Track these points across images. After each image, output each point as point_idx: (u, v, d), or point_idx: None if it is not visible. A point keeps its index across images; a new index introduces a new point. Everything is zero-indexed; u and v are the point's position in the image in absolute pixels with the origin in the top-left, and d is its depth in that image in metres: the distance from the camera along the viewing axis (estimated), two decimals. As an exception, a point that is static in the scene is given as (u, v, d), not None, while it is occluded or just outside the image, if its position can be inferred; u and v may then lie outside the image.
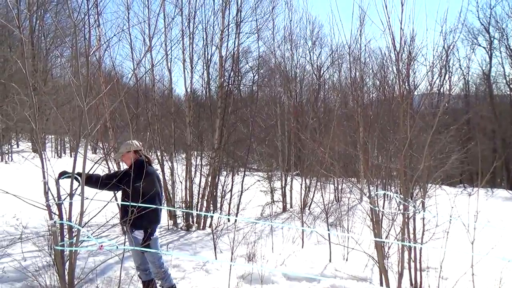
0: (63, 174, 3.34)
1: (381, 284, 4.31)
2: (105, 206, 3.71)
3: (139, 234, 3.83)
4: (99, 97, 4.29)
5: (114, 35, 7.06)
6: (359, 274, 5.37)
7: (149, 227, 3.79)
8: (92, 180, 3.64)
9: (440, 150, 6.03)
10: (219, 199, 8.92)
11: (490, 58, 31.24)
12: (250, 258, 5.71)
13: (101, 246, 2.57)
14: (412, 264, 4.84)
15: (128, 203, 3.54)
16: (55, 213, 3.02)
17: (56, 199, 2.99)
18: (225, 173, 9.23)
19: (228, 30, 8.67)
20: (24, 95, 3.16)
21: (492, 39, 30.96)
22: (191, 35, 8.31)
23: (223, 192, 8.92)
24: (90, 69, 3.50)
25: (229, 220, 8.61)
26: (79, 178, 3.10)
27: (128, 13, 7.67)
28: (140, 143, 4.09)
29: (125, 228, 3.77)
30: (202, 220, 8.26)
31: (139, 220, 3.63)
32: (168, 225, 7.99)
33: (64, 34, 13.88)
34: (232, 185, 9.05)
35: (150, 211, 3.67)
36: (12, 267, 4.55)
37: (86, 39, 3.58)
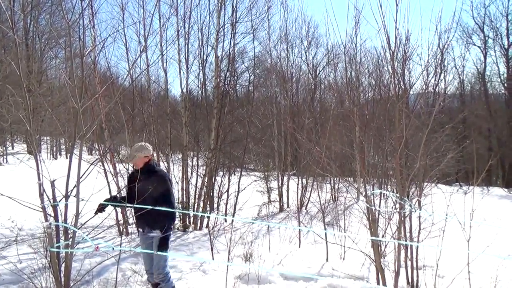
0: (102, 207, 3.84)
1: (378, 283, 4.32)
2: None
3: (157, 234, 3.87)
4: (94, 98, 4.28)
5: (109, 36, 7.03)
6: (356, 273, 5.38)
7: (167, 227, 3.83)
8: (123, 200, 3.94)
9: (435, 149, 6.05)
10: (215, 200, 8.91)
11: (485, 57, 31.45)
12: (247, 258, 5.71)
13: (97, 247, 2.56)
14: (409, 262, 4.85)
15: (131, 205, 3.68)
16: (50, 215, 3.00)
17: (51, 200, 2.98)
18: (221, 173, 9.22)
19: (223, 30, 8.67)
20: (19, 97, 3.15)
21: (486, 38, 31.15)
22: (186, 35, 8.29)
23: (220, 193, 8.91)
24: (85, 70, 3.48)
25: (226, 221, 8.60)
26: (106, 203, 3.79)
27: (123, 14, 7.65)
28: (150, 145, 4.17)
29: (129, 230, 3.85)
30: (199, 221, 8.25)
31: (156, 220, 3.75)
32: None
33: (59, 35, 13.84)
34: (228, 185, 9.04)
35: (163, 212, 3.75)
36: (8, 270, 4.53)
37: (80, 40, 3.57)
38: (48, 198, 2.99)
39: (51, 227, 2.87)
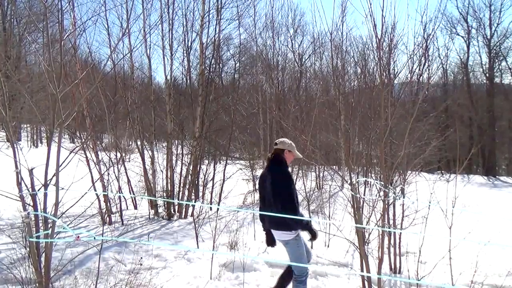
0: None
1: (362, 270, 4.37)
2: (82, 196, 3.63)
3: None
4: (73, 84, 4.14)
5: (89, 19, 6.80)
6: (340, 260, 5.44)
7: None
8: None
9: (419, 137, 6.11)
10: (200, 188, 8.86)
11: (468, 47, 31.93)
12: (232, 246, 5.70)
13: (78, 237, 2.49)
14: (392, 249, 4.93)
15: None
16: (29, 204, 2.92)
17: (30, 189, 2.89)
18: (206, 161, 9.15)
19: (208, 16, 8.52)
20: (-5, 83, 3.01)
21: (470, 28, 31.58)
22: (170, 21, 8.12)
23: (205, 181, 8.86)
24: (64, 55, 3.36)
25: (211, 209, 8.58)
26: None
27: (104, -4, 7.41)
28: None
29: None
30: (184, 209, 8.20)
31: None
32: (149, 215, 7.90)
33: (38, 19, 13.39)
34: (213, 173, 8.99)
35: None
36: (-14, 260, 4.42)
37: (59, 24, 3.42)
38: (27, 187, 2.90)
39: (29, 217, 2.78)
